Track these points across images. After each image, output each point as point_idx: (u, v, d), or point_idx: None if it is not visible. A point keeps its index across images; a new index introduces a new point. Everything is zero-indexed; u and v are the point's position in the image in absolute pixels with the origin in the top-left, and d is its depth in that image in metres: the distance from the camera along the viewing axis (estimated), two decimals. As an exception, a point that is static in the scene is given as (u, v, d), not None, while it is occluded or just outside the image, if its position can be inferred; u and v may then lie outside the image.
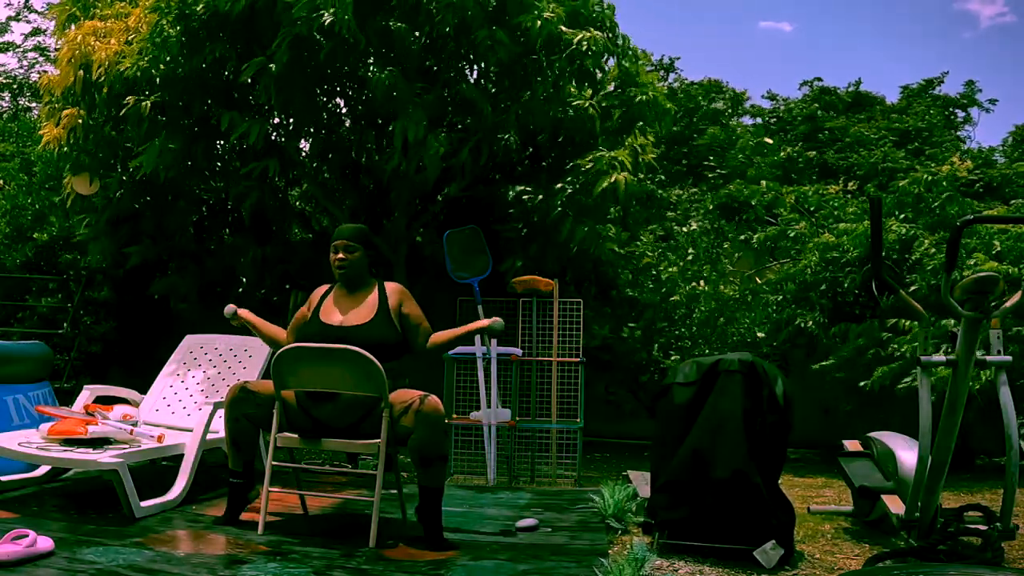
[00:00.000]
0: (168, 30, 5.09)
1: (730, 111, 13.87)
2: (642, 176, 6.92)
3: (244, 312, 3.56)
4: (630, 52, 5.75)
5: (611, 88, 5.87)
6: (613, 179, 5.34)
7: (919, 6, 31.04)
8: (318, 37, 4.94)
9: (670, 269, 7.00)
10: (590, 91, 5.69)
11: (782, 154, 11.58)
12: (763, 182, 8.41)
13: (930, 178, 6.49)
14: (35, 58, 14.14)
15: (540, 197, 5.62)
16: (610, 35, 5.56)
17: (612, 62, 5.79)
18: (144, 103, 5.24)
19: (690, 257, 7.46)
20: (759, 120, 14.39)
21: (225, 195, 6.51)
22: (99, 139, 5.75)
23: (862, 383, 5.57)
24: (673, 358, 6.41)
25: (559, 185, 5.60)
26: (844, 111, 13.81)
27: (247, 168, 5.61)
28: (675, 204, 9.29)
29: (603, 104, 5.75)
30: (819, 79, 14.74)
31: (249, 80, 5.15)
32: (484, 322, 3.35)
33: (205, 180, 6.25)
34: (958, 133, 13.72)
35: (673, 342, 6.66)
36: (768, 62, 32.15)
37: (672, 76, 14.64)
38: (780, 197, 7.92)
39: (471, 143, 5.44)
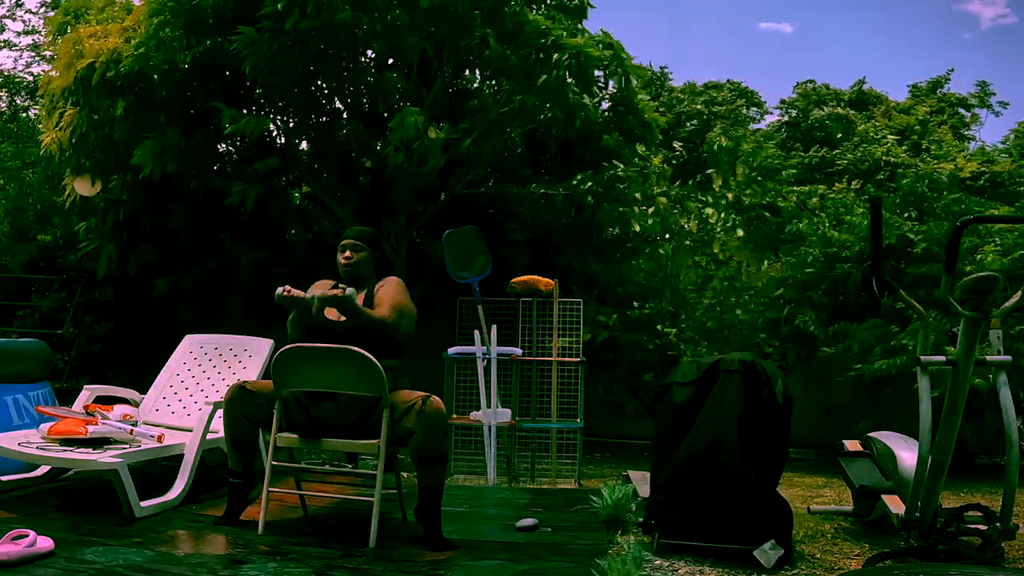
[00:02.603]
0: (167, 28, 5.13)
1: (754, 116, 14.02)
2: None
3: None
4: (621, 71, 6.02)
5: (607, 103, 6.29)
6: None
7: (920, 7, 31.08)
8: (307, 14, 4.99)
9: (686, 242, 7.02)
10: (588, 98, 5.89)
11: (796, 160, 11.55)
12: (767, 183, 8.39)
13: (935, 176, 6.46)
14: (31, 58, 14.10)
15: (563, 192, 5.97)
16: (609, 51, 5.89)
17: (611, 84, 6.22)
18: (142, 98, 5.25)
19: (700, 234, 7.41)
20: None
21: (226, 195, 6.54)
22: (99, 139, 5.75)
23: (858, 366, 5.58)
24: (683, 348, 6.38)
25: (579, 178, 5.97)
26: (847, 109, 13.84)
27: (252, 168, 5.63)
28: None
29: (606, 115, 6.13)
30: (812, 80, 14.86)
31: (248, 83, 5.16)
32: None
33: (204, 179, 6.26)
34: (964, 132, 13.72)
35: (674, 336, 6.62)
36: (768, 62, 32.19)
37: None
38: (782, 198, 7.91)
39: (475, 134, 5.55)
